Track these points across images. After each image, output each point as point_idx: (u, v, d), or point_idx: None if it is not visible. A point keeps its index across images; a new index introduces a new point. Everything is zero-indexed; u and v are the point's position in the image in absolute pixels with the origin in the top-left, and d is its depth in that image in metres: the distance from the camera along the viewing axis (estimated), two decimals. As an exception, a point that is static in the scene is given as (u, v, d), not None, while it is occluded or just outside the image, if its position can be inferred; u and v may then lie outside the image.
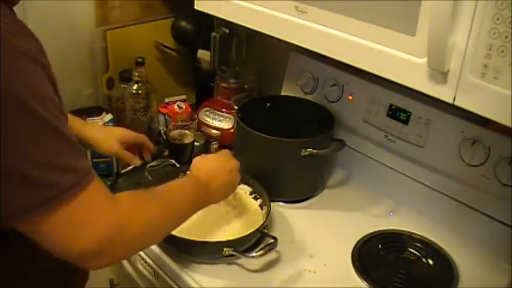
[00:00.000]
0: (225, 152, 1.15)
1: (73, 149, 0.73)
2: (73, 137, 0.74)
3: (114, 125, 1.41)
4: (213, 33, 1.44)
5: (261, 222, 1.12)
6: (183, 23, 1.60)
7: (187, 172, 1.12)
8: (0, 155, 0.65)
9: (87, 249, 0.73)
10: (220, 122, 1.52)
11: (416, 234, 1.19)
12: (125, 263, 1.27)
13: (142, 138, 1.31)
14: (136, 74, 1.45)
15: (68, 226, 0.72)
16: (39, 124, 0.68)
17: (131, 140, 1.28)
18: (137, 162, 1.31)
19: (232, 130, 1.49)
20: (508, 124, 0.77)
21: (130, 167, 1.38)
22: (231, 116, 1.51)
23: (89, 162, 0.76)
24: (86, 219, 0.73)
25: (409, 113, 1.24)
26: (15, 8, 0.80)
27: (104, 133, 1.26)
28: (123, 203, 0.79)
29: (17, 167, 0.67)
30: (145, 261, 1.18)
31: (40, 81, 0.70)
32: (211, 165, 1.08)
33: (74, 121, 1.21)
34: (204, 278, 1.06)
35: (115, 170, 1.38)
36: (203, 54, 1.57)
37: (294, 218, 1.24)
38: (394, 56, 0.89)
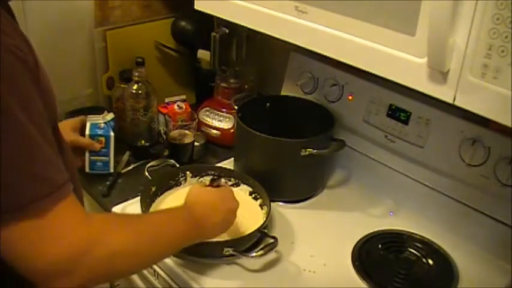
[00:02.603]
0: (228, 189, 1.09)
1: (50, 160, 0.71)
2: (53, 147, 0.73)
3: (115, 125, 1.40)
4: (213, 33, 1.44)
5: (261, 222, 1.12)
6: (183, 23, 1.60)
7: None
8: None
9: (51, 263, 0.69)
10: (220, 122, 1.52)
11: (416, 234, 1.19)
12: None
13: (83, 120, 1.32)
14: (137, 74, 1.45)
15: (35, 236, 0.69)
16: (18, 130, 0.67)
17: (79, 124, 1.29)
18: (97, 146, 1.31)
19: (232, 130, 1.49)
20: (508, 124, 0.77)
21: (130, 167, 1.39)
22: (231, 116, 1.51)
23: (67, 176, 0.74)
24: (54, 232, 0.70)
25: (409, 113, 1.24)
26: (16, 10, 0.81)
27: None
28: (96, 221, 0.76)
29: None
30: (146, 261, 1.18)
31: (26, 85, 0.69)
32: (211, 200, 1.01)
33: None
34: (204, 278, 1.06)
35: (112, 170, 1.37)
36: (203, 54, 1.57)
37: (294, 218, 1.24)
38: (394, 56, 0.89)
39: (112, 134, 1.34)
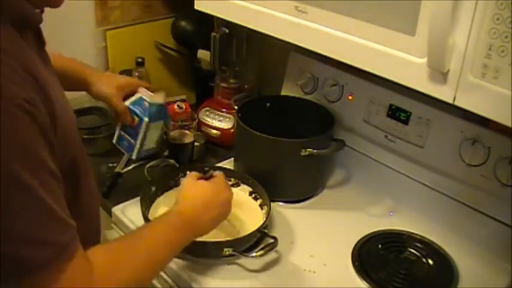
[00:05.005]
0: (220, 180, 1.06)
1: (55, 219, 0.69)
2: (60, 201, 0.70)
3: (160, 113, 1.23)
4: (213, 33, 1.44)
5: (261, 222, 1.12)
6: (183, 23, 1.60)
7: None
8: None
9: None
10: (220, 122, 1.52)
11: (416, 234, 1.19)
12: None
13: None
14: (137, 74, 1.45)
15: None
16: (20, 191, 0.64)
17: (133, 88, 1.21)
18: (129, 120, 1.18)
19: (232, 130, 1.49)
20: (508, 124, 0.77)
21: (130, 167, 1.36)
22: (231, 116, 1.51)
23: (72, 232, 0.72)
24: None
25: (409, 113, 1.24)
26: None
27: (103, 77, 1.19)
28: (97, 268, 0.74)
29: None
30: (145, 261, 1.18)
31: (31, 140, 0.66)
32: (203, 196, 1.00)
33: (74, 62, 1.19)
34: (204, 278, 1.06)
35: (135, 157, 1.26)
36: (203, 54, 1.57)
37: (294, 218, 1.24)
38: (394, 56, 0.89)
39: (146, 119, 1.18)
